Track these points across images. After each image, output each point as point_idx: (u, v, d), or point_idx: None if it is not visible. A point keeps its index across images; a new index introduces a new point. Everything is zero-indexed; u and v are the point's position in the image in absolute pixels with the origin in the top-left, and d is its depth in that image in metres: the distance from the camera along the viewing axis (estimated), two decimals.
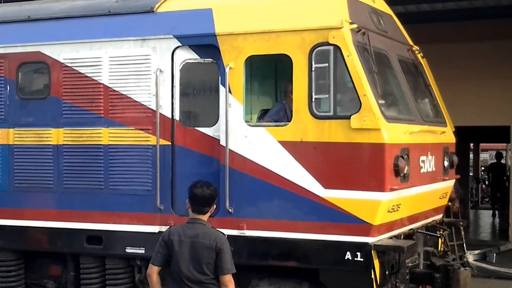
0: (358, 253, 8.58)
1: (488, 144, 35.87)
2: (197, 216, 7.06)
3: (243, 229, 9.06)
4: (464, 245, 11.27)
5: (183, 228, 7.03)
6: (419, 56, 10.92)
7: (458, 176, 11.22)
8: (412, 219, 9.69)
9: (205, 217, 7.10)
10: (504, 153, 33.10)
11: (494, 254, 17.21)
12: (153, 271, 7.06)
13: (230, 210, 9.08)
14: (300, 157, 8.81)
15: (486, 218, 28.90)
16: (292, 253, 8.90)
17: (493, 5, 18.93)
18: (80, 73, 9.95)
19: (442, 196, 10.68)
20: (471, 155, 32.50)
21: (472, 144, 31.56)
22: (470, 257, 14.96)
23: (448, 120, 11.02)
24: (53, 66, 10.11)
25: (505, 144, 34.50)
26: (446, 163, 10.52)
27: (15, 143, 10.37)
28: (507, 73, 19.67)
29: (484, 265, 15.89)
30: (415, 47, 10.86)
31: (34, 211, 10.24)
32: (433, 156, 10.00)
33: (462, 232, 11.24)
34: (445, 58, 18.32)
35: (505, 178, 25.93)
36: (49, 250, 10.29)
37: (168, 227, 8.22)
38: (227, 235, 8.88)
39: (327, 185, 8.69)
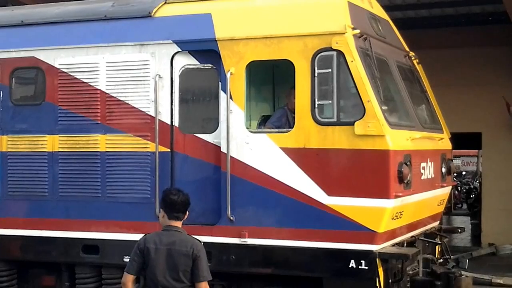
0: (363, 261, 8.49)
1: (460, 150, 36.03)
2: (173, 223, 6.91)
3: (244, 237, 8.94)
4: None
5: (159, 236, 6.90)
6: (415, 62, 10.90)
7: (455, 183, 11.20)
8: (413, 226, 9.64)
9: (180, 224, 6.96)
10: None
11: (467, 260, 17.25)
12: (128, 279, 6.95)
13: (231, 218, 8.95)
14: (302, 164, 8.71)
15: (459, 224, 28.98)
16: (295, 261, 8.78)
17: (464, 13, 19.17)
18: (76, 78, 9.77)
19: (440, 203, 10.65)
20: None
21: None
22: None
23: (444, 126, 11.00)
24: (48, 71, 9.92)
25: (476, 150, 34.79)
26: (443, 170, 10.48)
27: (9, 150, 10.15)
28: (479, 80, 19.83)
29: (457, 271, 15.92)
30: (411, 53, 10.84)
31: (28, 220, 10.02)
32: (432, 163, 9.95)
33: None
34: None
35: None
36: (43, 260, 10.06)
37: None
38: (228, 244, 8.87)
39: (330, 192, 8.59)
